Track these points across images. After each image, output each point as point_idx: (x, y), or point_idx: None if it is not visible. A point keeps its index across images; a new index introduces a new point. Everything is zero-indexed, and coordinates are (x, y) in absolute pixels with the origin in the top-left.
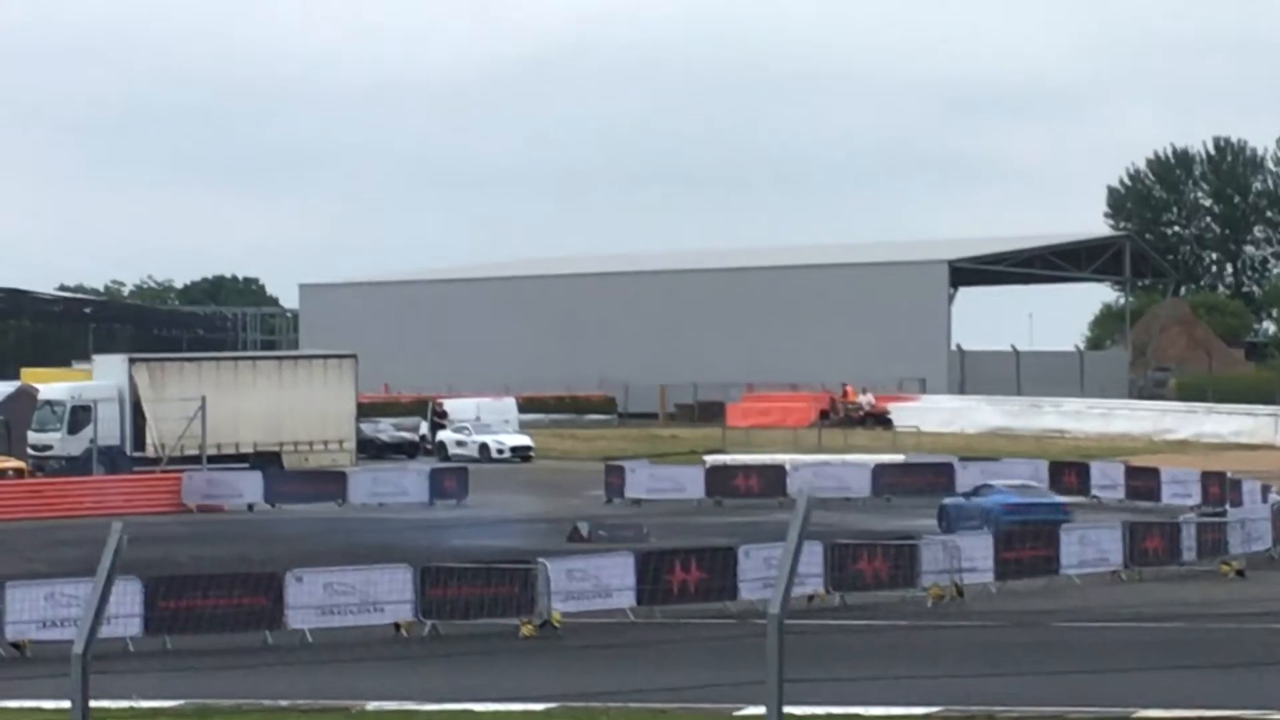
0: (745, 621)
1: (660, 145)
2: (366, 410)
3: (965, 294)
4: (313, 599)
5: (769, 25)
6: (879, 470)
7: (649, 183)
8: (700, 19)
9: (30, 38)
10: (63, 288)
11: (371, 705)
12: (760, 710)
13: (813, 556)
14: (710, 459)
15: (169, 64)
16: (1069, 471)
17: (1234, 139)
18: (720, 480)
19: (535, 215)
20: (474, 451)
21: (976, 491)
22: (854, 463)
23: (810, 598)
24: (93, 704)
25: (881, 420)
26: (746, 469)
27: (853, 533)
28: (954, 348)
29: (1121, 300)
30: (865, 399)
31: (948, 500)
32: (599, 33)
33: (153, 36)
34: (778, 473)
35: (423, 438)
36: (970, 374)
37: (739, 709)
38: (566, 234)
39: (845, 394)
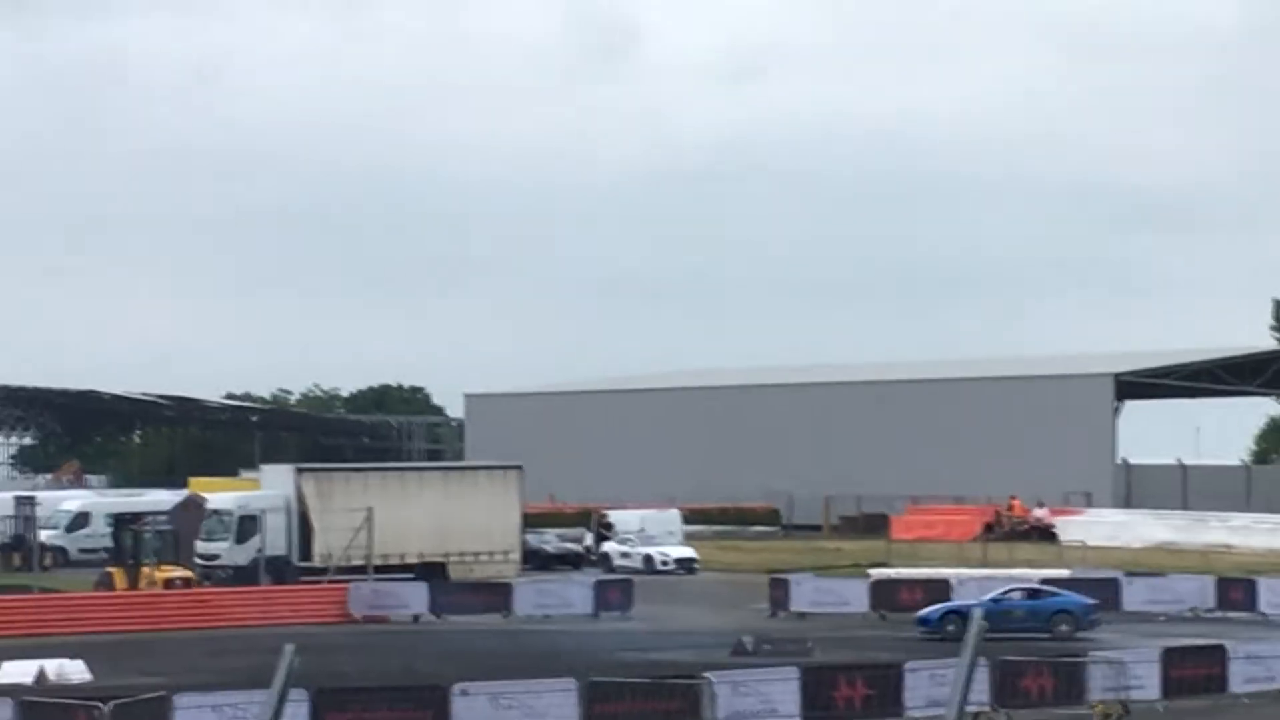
0: None
1: (823, 256)
2: (532, 521)
3: (1131, 407)
4: (478, 713)
5: (926, 132)
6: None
7: (812, 294)
8: (855, 129)
9: (199, 146)
10: (230, 396)
11: None
12: None
13: (979, 673)
14: (875, 572)
15: (336, 171)
16: (1236, 588)
17: None
18: (885, 594)
19: (700, 326)
20: (639, 563)
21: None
22: (1019, 577)
23: (976, 715)
24: None
25: (1046, 534)
26: (911, 582)
27: (1019, 649)
28: (1119, 461)
29: None
30: (1041, 511)
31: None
32: (763, 145)
33: (320, 145)
34: (943, 586)
35: (587, 549)
36: (1136, 488)
37: None
38: (731, 345)
39: (1012, 508)
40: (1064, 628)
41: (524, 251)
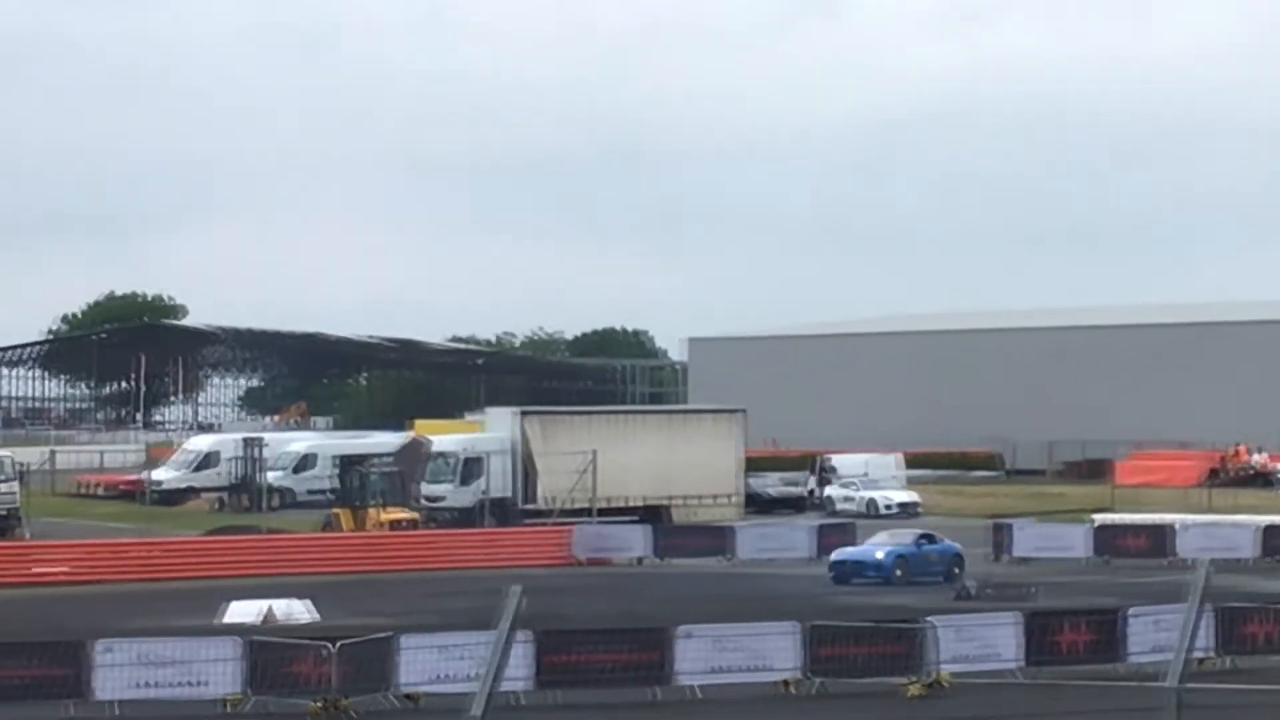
0: (1133, 684)
1: (1050, 202)
2: (754, 465)
3: None
4: (701, 656)
5: (1149, 74)
6: (1269, 531)
7: (1037, 238)
8: (1073, 72)
9: (430, 95)
10: (454, 339)
11: None
12: None
13: (1203, 619)
14: (1098, 518)
15: (561, 117)
16: None
17: None
18: (1107, 539)
19: (923, 270)
20: (861, 507)
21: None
22: (1243, 523)
23: (1200, 660)
24: None
25: (1265, 480)
26: (1134, 528)
27: (1243, 595)
28: None
29: None
30: (1257, 458)
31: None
32: (989, 87)
33: (546, 91)
34: (1166, 532)
35: (810, 493)
36: None
37: None
38: (954, 289)
39: (1237, 453)
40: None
41: (746, 197)
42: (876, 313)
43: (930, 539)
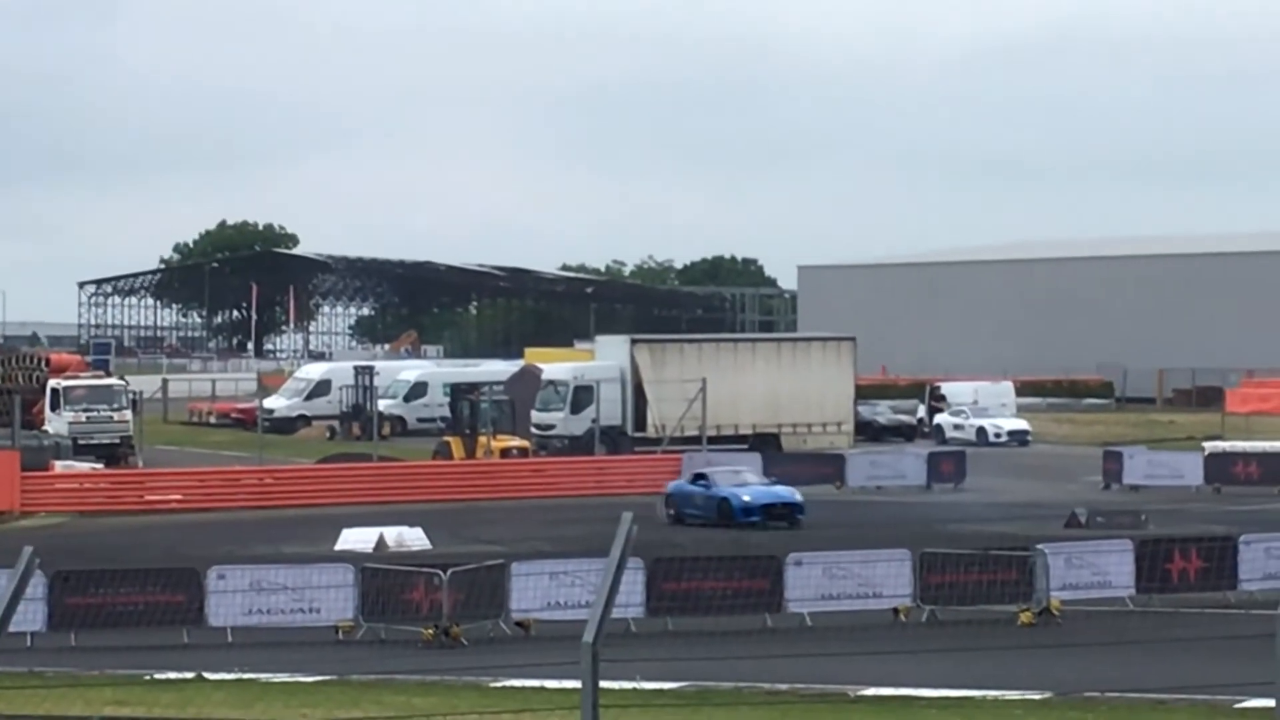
0: (1245, 613)
1: (1159, 130)
2: (864, 392)
3: None
4: (812, 583)
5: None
6: None
7: (1146, 167)
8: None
9: (544, 24)
10: (565, 267)
11: (869, 691)
12: (1262, 703)
13: None
14: (1209, 445)
15: (671, 45)
16: None
17: None
18: (1219, 467)
19: (1033, 199)
20: (971, 435)
21: (697, 480)
22: None
23: None
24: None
25: None
26: (1246, 456)
27: None
28: None
29: None
30: None
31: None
32: (1098, 13)
33: (654, 19)
34: (1278, 460)
35: (920, 421)
36: None
37: (1239, 700)
38: (1064, 217)
39: None
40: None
41: (858, 126)
42: (986, 241)
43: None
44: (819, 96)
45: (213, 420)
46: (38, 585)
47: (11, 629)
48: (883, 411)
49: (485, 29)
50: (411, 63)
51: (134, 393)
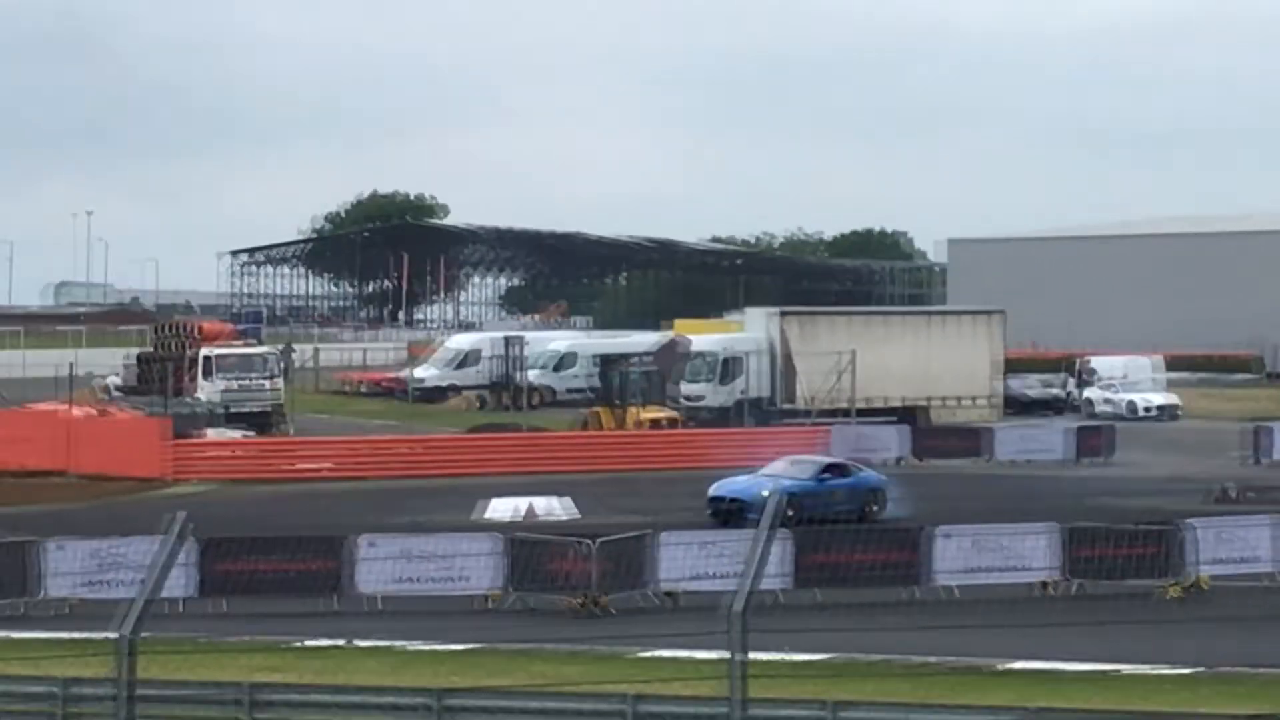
0: None
1: None
2: (1012, 366)
3: None
4: (958, 555)
5: None
6: None
7: None
8: None
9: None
10: (714, 239)
11: (1014, 665)
12: None
13: None
14: None
15: (828, 16)
16: None
17: None
18: None
19: (1180, 174)
20: (1120, 409)
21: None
22: None
23: None
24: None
25: None
26: None
27: None
28: None
29: None
30: None
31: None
32: None
33: None
34: None
35: (1068, 394)
36: None
37: None
38: (1211, 192)
39: None
40: (875, 508)
41: (1005, 100)
42: (1138, 214)
43: (841, 470)
44: (971, 70)
45: (362, 389)
46: (189, 551)
47: (163, 594)
48: (1031, 385)
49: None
50: (563, 30)
51: (285, 361)
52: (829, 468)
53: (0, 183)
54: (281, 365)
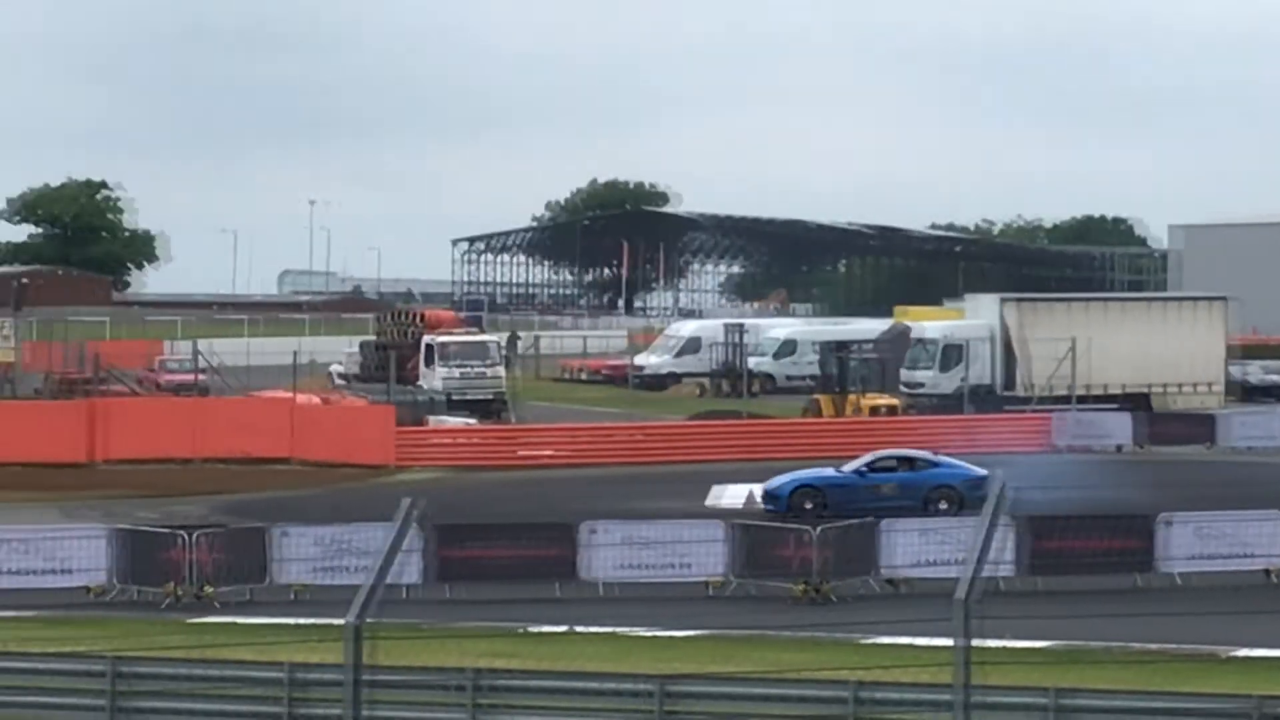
0: None
1: None
2: (1236, 353)
3: None
4: (1184, 542)
5: None
6: None
7: None
8: None
9: None
10: (934, 226)
11: (1240, 652)
12: None
13: None
14: None
15: (1037, 3)
16: None
17: None
18: None
19: None
20: None
21: (870, 464)
22: None
23: None
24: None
25: None
26: None
27: None
28: None
29: None
30: None
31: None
32: None
33: None
34: None
35: None
36: None
37: None
38: None
39: None
40: (944, 505)
41: (1226, 86)
42: None
43: (909, 464)
44: (1193, 55)
45: (584, 376)
46: (419, 538)
47: (392, 580)
48: (1254, 372)
49: None
50: (785, 16)
51: (512, 345)
52: (884, 461)
53: (229, 173)
54: (504, 353)
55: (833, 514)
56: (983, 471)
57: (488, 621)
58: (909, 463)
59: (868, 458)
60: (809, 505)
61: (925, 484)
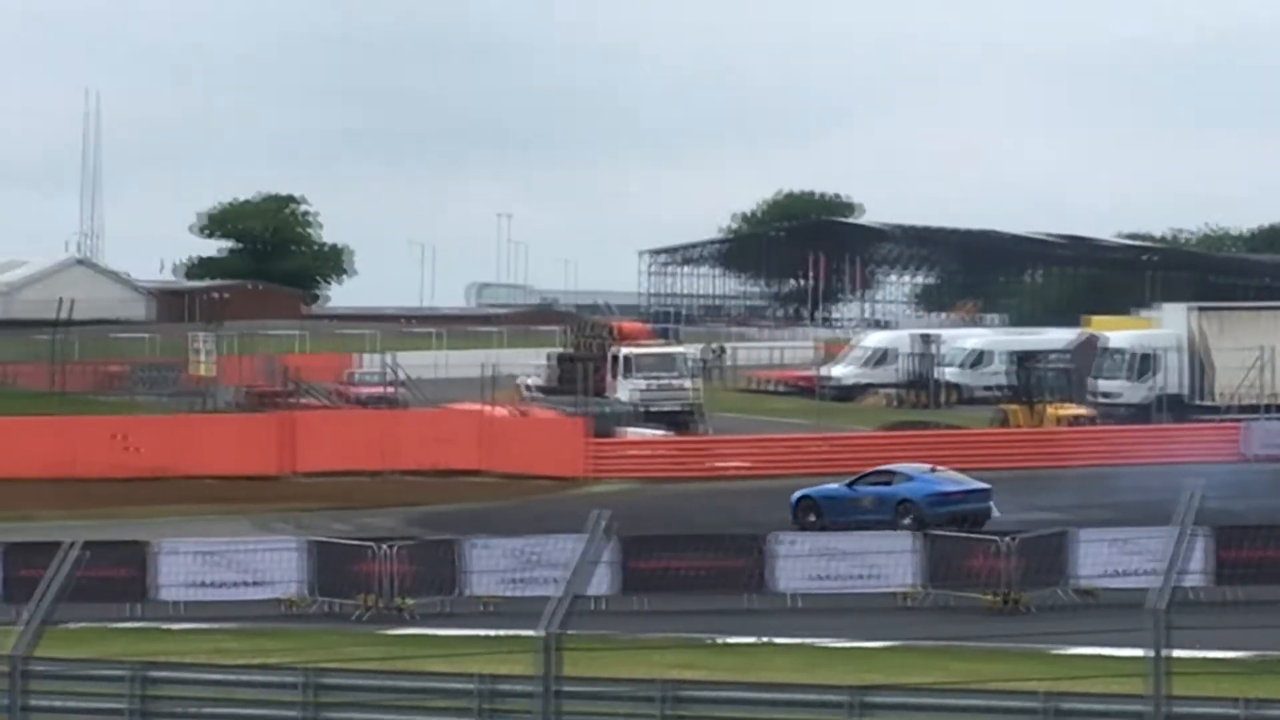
0: None
1: None
2: None
3: None
4: None
5: None
6: None
7: None
8: None
9: None
10: (1124, 235)
11: None
12: None
13: None
14: None
15: (1233, 8)
16: None
17: None
18: None
19: None
20: None
21: (864, 478)
22: None
23: None
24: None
25: None
26: None
27: None
28: None
29: None
30: None
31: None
32: None
33: None
34: None
35: None
36: None
37: None
38: None
39: None
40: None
41: None
42: None
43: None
44: None
45: (775, 388)
46: (611, 550)
47: (585, 592)
48: None
49: None
50: (974, 25)
51: (718, 357)
52: (875, 476)
53: (424, 187)
54: (697, 365)
55: (828, 525)
56: (962, 487)
57: (677, 633)
58: (889, 477)
59: (866, 473)
60: (811, 517)
61: (893, 498)
